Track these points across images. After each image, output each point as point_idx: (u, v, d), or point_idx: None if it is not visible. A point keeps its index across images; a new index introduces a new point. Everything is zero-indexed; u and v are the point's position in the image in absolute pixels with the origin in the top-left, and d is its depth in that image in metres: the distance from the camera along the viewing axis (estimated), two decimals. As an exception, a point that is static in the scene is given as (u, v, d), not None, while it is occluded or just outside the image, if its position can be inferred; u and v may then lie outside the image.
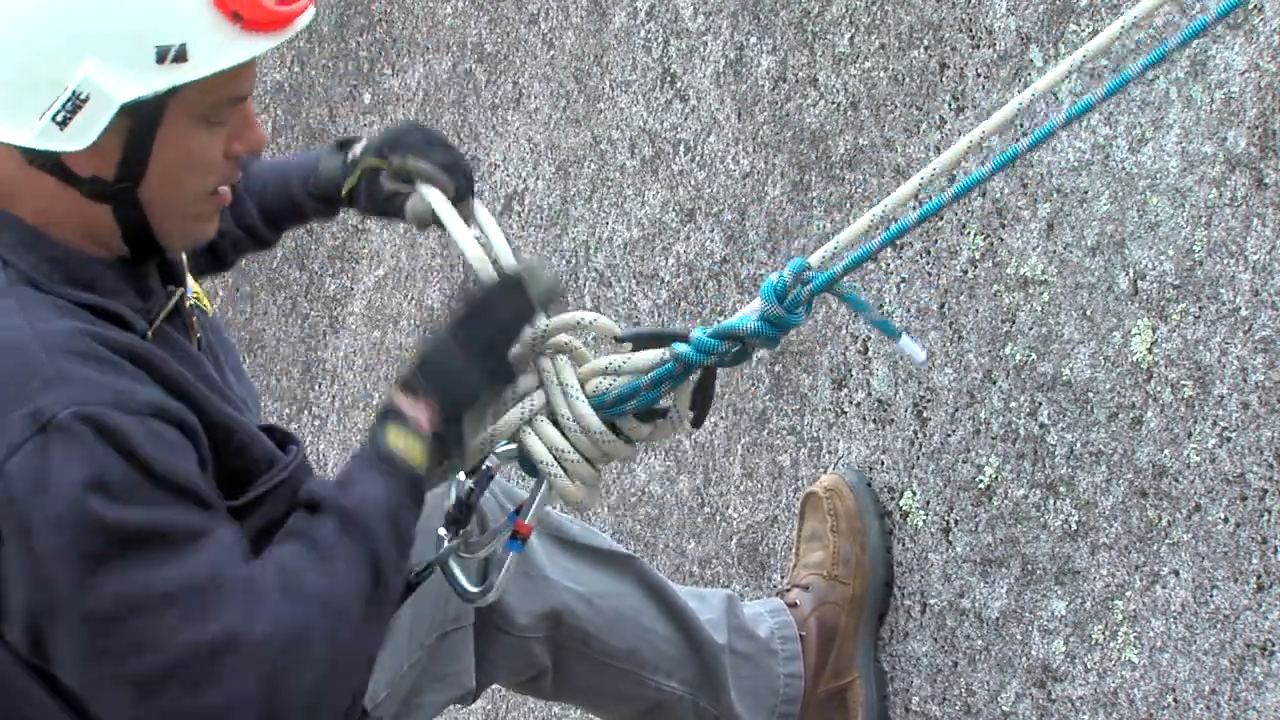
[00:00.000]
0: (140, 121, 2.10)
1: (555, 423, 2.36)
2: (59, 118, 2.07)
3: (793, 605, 2.94)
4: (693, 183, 3.42)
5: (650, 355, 2.35)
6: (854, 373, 3.11)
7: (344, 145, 2.59)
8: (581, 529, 2.79)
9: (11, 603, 2.07)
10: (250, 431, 2.24)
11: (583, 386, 2.35)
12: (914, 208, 2.41)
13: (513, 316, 2.30)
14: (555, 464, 2.35)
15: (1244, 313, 2.56)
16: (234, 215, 2.60)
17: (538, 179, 3.79)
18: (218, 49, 2.09)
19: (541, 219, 3.78)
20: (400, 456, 2.20)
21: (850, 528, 3.00)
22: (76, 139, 2.08)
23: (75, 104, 2.06)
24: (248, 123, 2.19)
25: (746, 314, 2.34)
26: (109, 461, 2.03)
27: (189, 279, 2.39)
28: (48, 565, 2.04)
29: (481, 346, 2.27)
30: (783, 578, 3.24)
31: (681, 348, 2.34)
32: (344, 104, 4.34)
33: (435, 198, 2.47)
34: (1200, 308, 2.61)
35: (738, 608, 2.89)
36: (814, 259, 2.35)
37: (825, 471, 3.13)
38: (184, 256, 2.33)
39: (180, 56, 2.08)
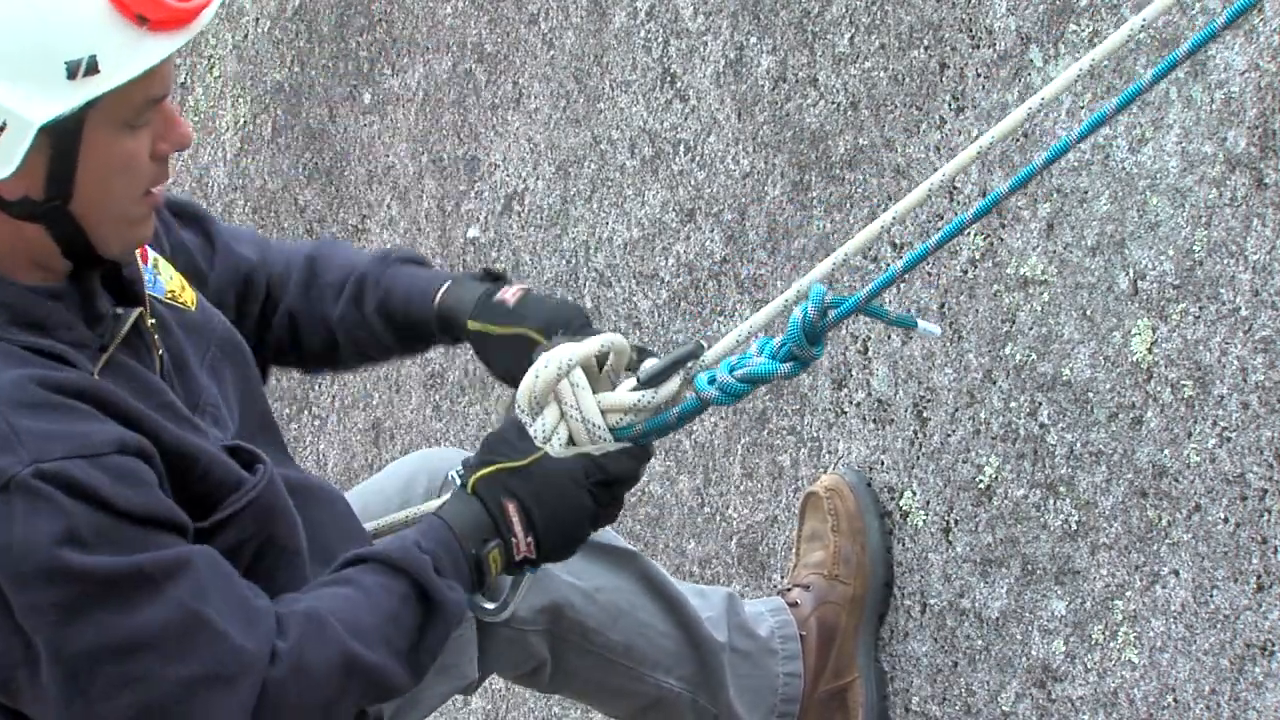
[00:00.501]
0: (61, 138, 2.05)
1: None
2: None
3: (793, 605, 2.94)
4: (693, 183, 3.42)
5: (671, 387, 2.35)
6: (854, 373, 3.11)
7: (490, 277, 2.55)
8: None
9: None
10: (212, 456, 2.20)
11: (604, 416, 2.35)
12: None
13: (620, 492, 2.35)
14: None
15: (1244, 313, 2.56)
16: (315, 310, 2.58)
17: (538, 179, 3.79)
18: (128, 55, 2.04)
19: (541, 219, 3.78)
20: (488, 575, 2.29)
21: (851, 527, 2.99)
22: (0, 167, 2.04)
23: None
24: (170, 121, 2.14)
25: (771, 358, 2.32)
26: (76, 513, 2.02)
27: (165, 272, 2.36)
28: (25, 617, 2.04)
29: (596, 520, 2.33)
30: (783, 577, 3.24)
31: (709, 391, 2.32)
32: (344, 104, 4.34)
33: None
34: (1200, 308, 2.61)
35: (738, 606, 2.89)
36: (816, 273, 2.33)
37: (825, 471, 3.13)
38: (140, 269, 2.29)
39: (91, 68, 2.02)
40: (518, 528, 2.28)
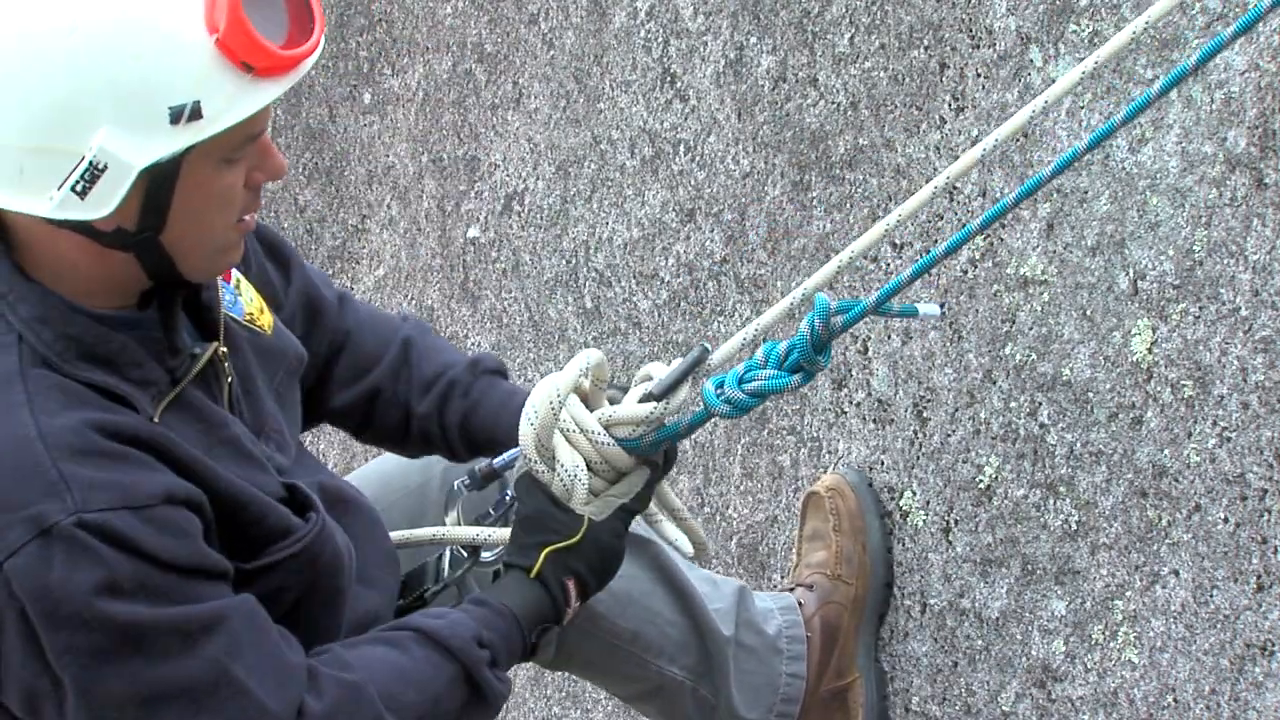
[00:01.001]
0: (159, 177, 2.04)
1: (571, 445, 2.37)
2: (77, 188, 2.00)
3: (797, 605, 2.95)
4: (693, 183, 3.42)
5: (681, 396, 2.35)
6: (854, 373, 3.11)
7: None
8: None
9: (9, 679, 2.08)
10: (265, 504, 2.20)
11: (614, 429, 2.35)
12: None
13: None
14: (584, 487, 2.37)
15: (1244, 313, 2.56)
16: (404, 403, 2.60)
17: (538, 179, 3.79)
18: (231, 101, 2.03)
19: (541, 219, 3.78)
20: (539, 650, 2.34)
21: (852, 527, 3.00)
22: (97, 207, 2.02)
23: (93, 173, 2.00)
24: (266, 152, 2.13)
25: (777, 368, 2.32)
26: (116, 563, 2.03)
27: (247, 293, 2.36)
28: (56, 658, 2.05)
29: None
30: (783, 577, 3.24)
31: (719, 406, 2.33)
32: (344, 104, 4.34)
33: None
34: (1200, 308, 2.61)
35: (749, 600, 2.89)
36: (820, 276, 2.34)
37: (826, 471, 3.13)
38: (220, 294, 2.28)
39: (195, 114, 2.01)
40: (574, 601, 2.33)
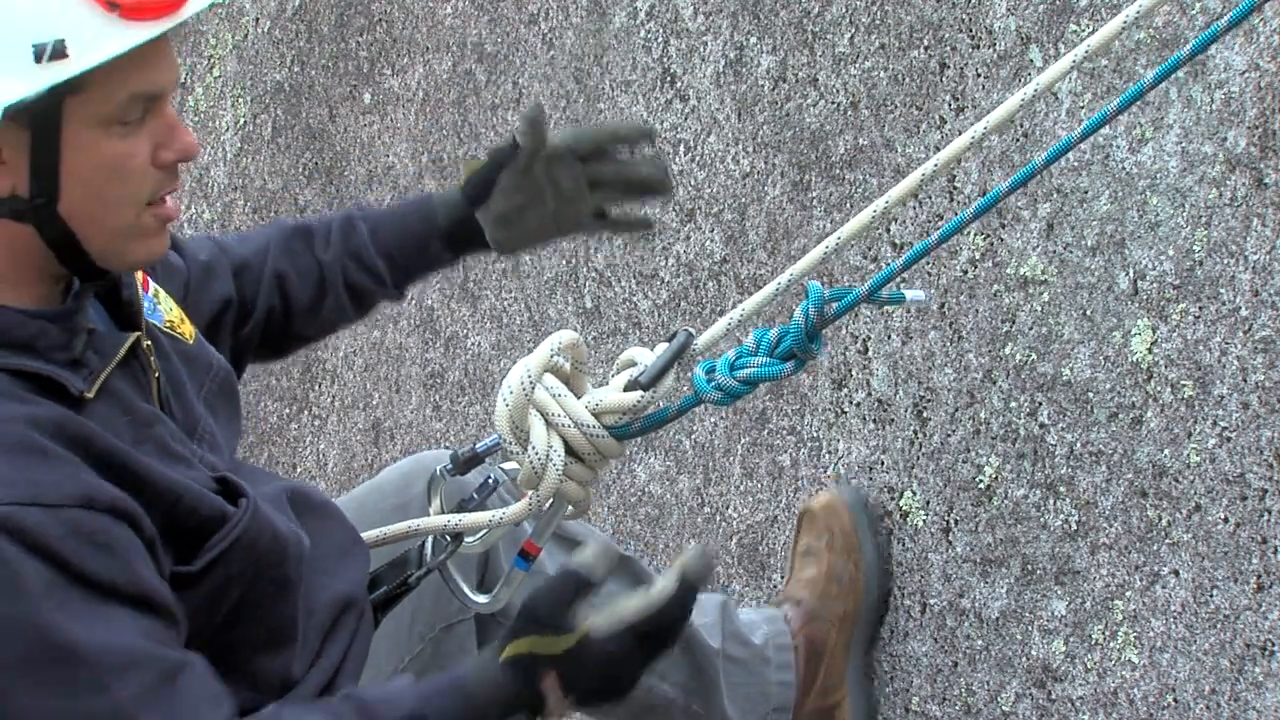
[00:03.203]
0: (39, 128, 2.01)
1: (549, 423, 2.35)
2: None
3: (784, 617, 2.94)
4: (693, 183, 3.42)
5: (668, 383, 2.35)
6: (854, 373, 3.11)
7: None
8: (582, 527, 2.78)
9: None
10: (197, 493, 2.14)
11: (603, 417, 2.33)
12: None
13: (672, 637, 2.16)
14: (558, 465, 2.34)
15: (1244, 313, 2.56)
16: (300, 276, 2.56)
17: (538, 179, 3.79)
18: (97, 40, 1.98)
19: (541, 219, 3.78)
20: None
21: (846, 545, 2.99)
22: None
23: None
24: (170, 128, 2.08)
25: (769, 355, 2.32)
26: (19, 563, 1.96)
27: (165, 303, 2.32)
28: None
29: (649, 669, 2.17)
30: (783, 578, 3.24)
31: (710, 392, 2.32)
32: (344, 104, 4.34)
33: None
34: (1200, 308, 2.61)
35: (733, 612, 2.88)
36: (810, 259, 2.34)
37: (826, 470, 3.13)
38: (140, 294, 2.24)
39: (58, 53, 1.97)
40: (554, 697, 2.12)
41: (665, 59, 3.47)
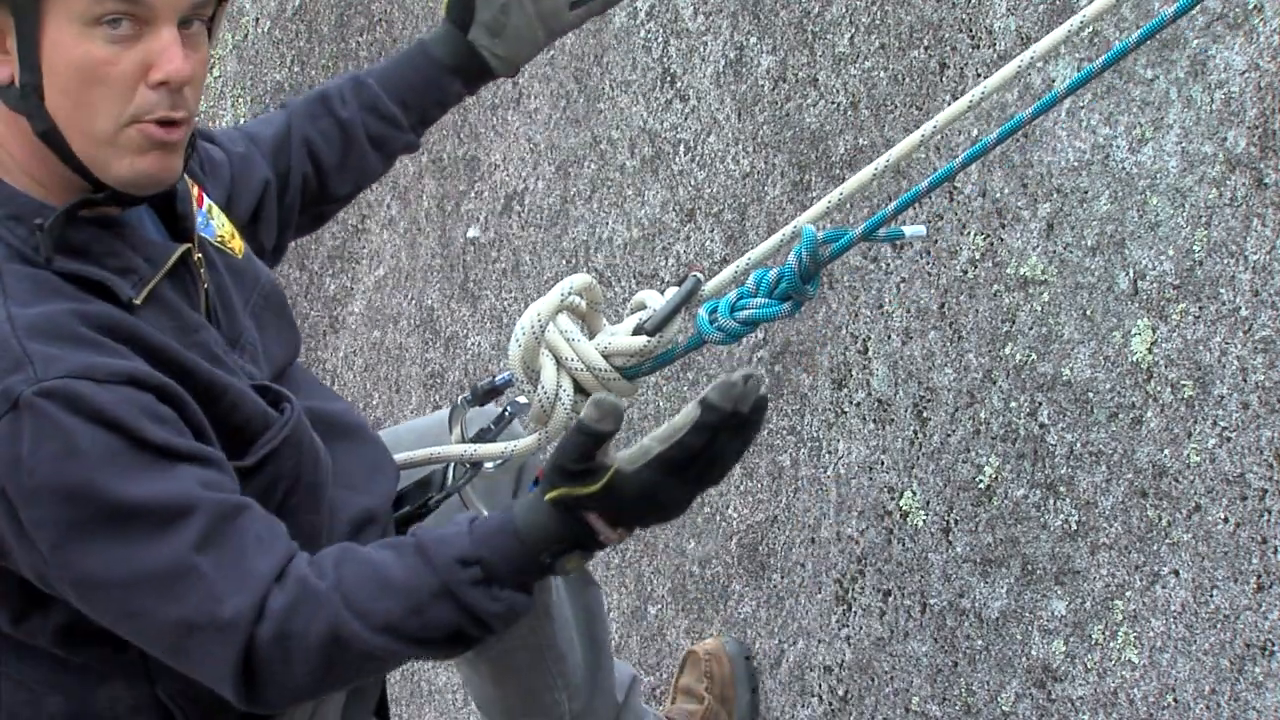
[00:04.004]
0: (20, 15, 2.05)
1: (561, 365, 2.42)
2: None
3: None
4: (693, 183, 3.42)
5: (675, 328, 2.42)
6: (854, 373, 3.11)
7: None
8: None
9: (20, 562, 2.10)
10: (241, 391, 2.21)
11: (612, 359, 2.40)
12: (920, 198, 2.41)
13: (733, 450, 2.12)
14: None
15: (1244, 313, 2.56)
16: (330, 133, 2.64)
17: (538, 179, 3.79)
18: None
19: (541, 219, 3.78)
20: (564, 572, 2.17)
21: (722, 694, 3.20)
22: None
23: None
24: (164, 48, 2.09)
25: (768, 297, 2.38)
26: (79, 431, 2.03)
27: (218, 219, 2.38)
28: (34, 533, 2.06)
29: (699, 489, 2.14)
30: (783, 578, 3.25)
31: (713, 333, 2.39)
32: (344, 104, 4.34)
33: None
34: (1200, 308, 2.61)
35: (638, 691, 3.00)
36: (805, 217, 2.41)
37: (827, 468, 3.13)
38: (194, 209, 2.30)
39: None
40: (601, 528, 2.12)
41: (665, 59, 3.47)
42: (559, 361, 2.40)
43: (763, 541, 3.29)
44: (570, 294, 2.40)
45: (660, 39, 3.48)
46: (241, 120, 4.67)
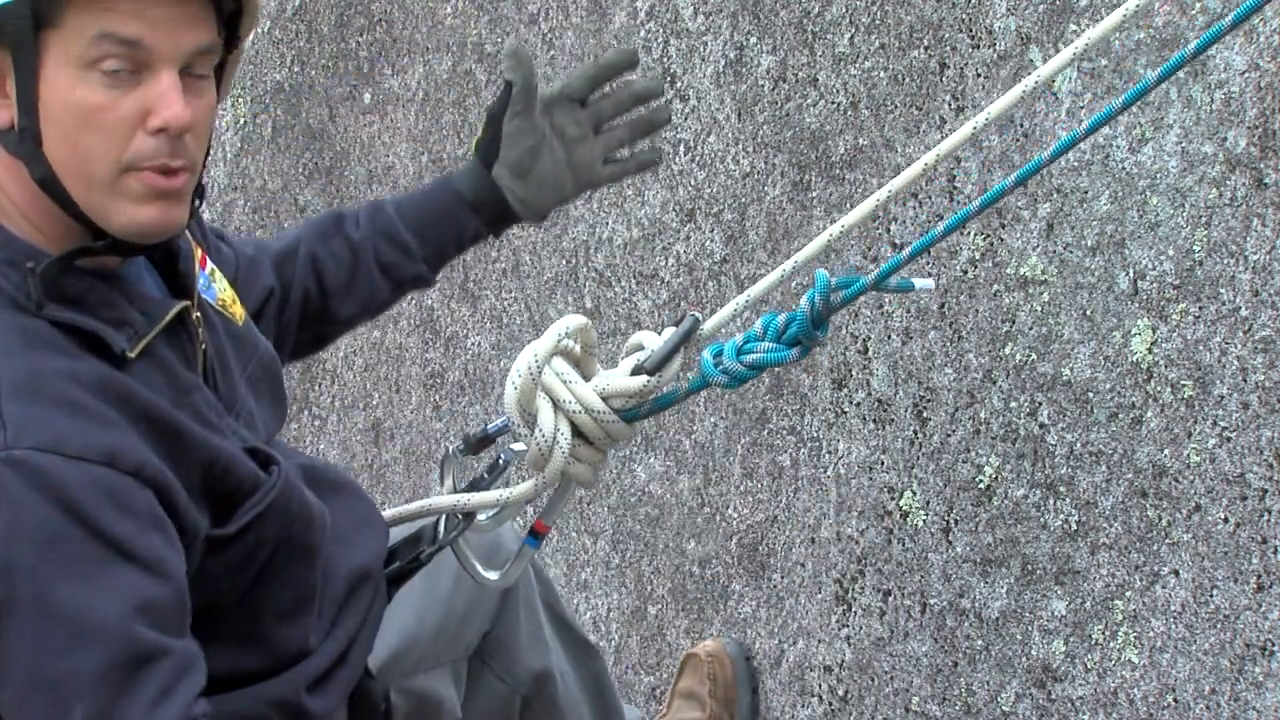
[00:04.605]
0: (18, 57, 2.00)
1: (558, 408, 2.37)
2: None
3: None
4: (693, 183, 3.42)
5: (674, 368, 2.37)
6: (854, 373, 3.11)
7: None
8: (568, 607, 2.84)
9: None
10: (231, 455, 2.15)
11: (610, 400, 2.36)
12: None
13: None
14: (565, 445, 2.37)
15: (1244, 313, 2.56)
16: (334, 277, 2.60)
17: (538, 179, 3.79)
18: None
19: (541, 219, 3.78)
20: None
21: (726, 696, 3.18)
22: None
23: None
24: (162, 94, 2.04)
25: (775, 341, 2.33)
26: (31, 506, 1.94)
27: (220, 283, 2.34)
28: None
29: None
30: (783, 578, 3.25)
31: (718, 376, 2.34)
32: (344, 104, 4.34)
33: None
34: (1200, 308, 2.61)
35: None
36: (805, 253, 2.36)
37: (826, 472, 3.13)
38: (196, 269, 2.26)
39: None
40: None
41: (665, 59, 3.47)
42: (556, 404, 2.35)
43: (763, 541, 3.29)
44: (565, 336, 2.35)
45: (660, 39, 3.48)
46: (241, 121, 4.67)
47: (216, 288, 2.33)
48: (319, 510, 2.28)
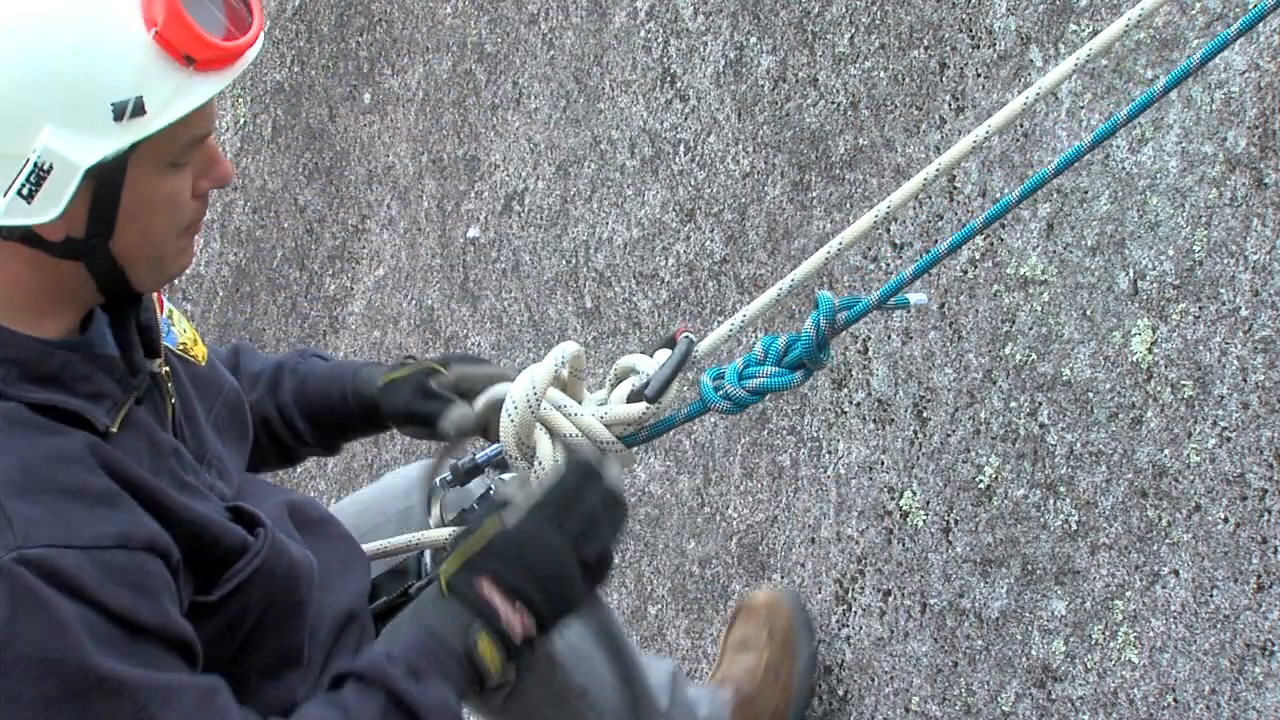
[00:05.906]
0: (105, 178, 2.02)
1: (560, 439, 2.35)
2: (24, 191, 1.97)
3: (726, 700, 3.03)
4: (693, 183, 3.42)
5: (672, 393, 2.35)
6: (854, 373, 3.11)
7: (397, 367, 2.60)
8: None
9: None
10: (218, 525, 2.15)
11: (610, 430, 2.34)
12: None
13: (603, 506, 2.20)
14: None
15: (1244, 313, 2.56)
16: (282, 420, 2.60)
17: (538, 179, 3.78)
18: (174, 96, 2.00)
19: (541, 219, 3.78)
20: (486, 668, 2.16)
21: (785, 641, 3.10)
22: (45, 210, 1.98)
23: (39, 175, 1.97)
24: (212, 159, 2.11)
25: (777, 364, 2.33)
26: (58, 605, 1.95)
27: (180, 324, 2.33)
28: (8, 707, 1.97)
29: (584, 549, 2.18)
30: (783, 578, 3.24)
31: (719, 402, 2.33)
32: (344, 104, 4.34)
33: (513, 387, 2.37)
34: (1200, 308, 2.61)
35: (682, 681, 2.93)
36: (802, 270, 2.34)
37: (826, 472, 3.13)
38: (158, 318, 2.26)
39: (138, 110, 1.98)
40: (499, 603, 2.15)
41: (665, 59, 3.47)
42: (554, 434, 2.32)
43: (763, 541, 3.29)
44: (561, 365, 2.33)
45: (660, 39, 3.48)
46: (241, 121, 4.67)
47: (176, 330, 2.33)
48: (306, 564, 2.28)
